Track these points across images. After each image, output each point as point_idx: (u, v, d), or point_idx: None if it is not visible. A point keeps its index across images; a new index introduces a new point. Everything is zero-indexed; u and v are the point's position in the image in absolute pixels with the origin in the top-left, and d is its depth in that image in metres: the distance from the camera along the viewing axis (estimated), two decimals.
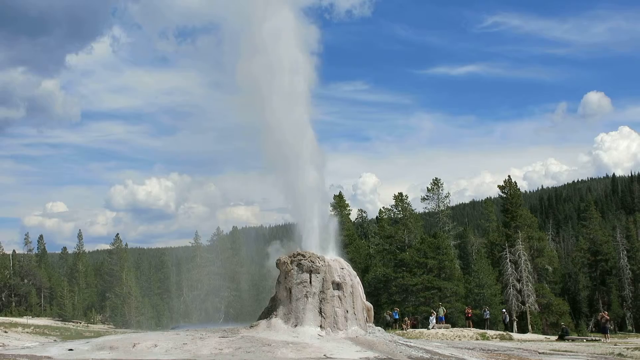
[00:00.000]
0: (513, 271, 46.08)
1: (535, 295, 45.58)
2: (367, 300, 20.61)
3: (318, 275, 18.81)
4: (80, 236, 71.80)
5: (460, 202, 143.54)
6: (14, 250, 73.60)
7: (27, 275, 67.11)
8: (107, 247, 74.30)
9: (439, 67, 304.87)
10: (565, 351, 22.47)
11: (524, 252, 46.49)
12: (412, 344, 19.25)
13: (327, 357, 15.63)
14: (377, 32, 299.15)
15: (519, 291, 45.48)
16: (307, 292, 18.65)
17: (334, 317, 18.56)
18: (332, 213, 50.37)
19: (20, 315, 56.01)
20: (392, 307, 41.61)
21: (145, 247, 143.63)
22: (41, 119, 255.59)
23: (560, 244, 78.84)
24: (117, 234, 69.10)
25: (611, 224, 67.15)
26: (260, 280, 53.39)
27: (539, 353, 21.03)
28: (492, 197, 78.84)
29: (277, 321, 18.58)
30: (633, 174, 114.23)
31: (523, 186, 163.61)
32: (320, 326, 18.35)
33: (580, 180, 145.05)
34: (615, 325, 51.44)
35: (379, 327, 21.08)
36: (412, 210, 54.40)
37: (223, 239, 66.39)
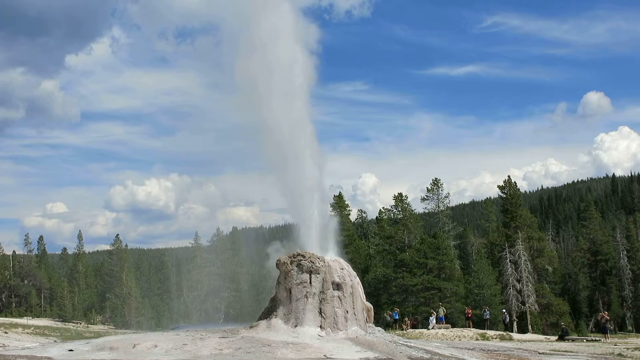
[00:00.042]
0: (513, 271, 46.09)
1: (535, 296, 45.59)
2: (367, 300, 20.62)
3: (318, 275, 18.81)
4: (80, 237, 71.82)
5: (460, 203, 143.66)
6: (14, 251, 73.68)
7: (27, 276, 67.08)
8: (107, 247, 74.36)
9: (438, 67, 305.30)
10: (565, 351, 22.46)
11: (524, 253, 46.50)
12: (412, 344, 19.25)
13: (327, 358, 15.64)
14: (377, 33, 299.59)
15: (519, 291, 45.50)
16: (307, 292, 18.66)
17: (334, 318, 18.56)
18: (332, 213, 50.35)
19: (21, 316, 56.01)
20: (392, 307, 41.60)
21: (145, 248, 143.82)
22: (41, 120, 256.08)
23: (560, 244, 78.83)
24: (117, 234, 69.32)
25: (611, 224, 67.16)
26: (260, 281, 53.40)
27: (539, 353, 21.03)
28: (492, 198, 78.89)
29: (277, 321, 18.59)
30: (633, 174, 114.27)
31: (523, 186, 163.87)
32: (320, 326, 18.35)
33: (580, 180, 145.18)
34: (615, 326, 51.46)
35: (379, 328, 21.08)
36: (412, 211, 54.39)
37: (223, 239, 66.36)
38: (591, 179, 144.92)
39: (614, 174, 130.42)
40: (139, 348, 16.41)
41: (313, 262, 18.87)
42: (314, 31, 23.56)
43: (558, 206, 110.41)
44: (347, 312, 18.82)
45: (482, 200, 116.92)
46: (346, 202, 57.72)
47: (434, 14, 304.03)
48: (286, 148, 21.97)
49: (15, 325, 36.01)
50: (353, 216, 61.27)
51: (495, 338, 29.98)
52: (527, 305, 44.97)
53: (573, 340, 30.15)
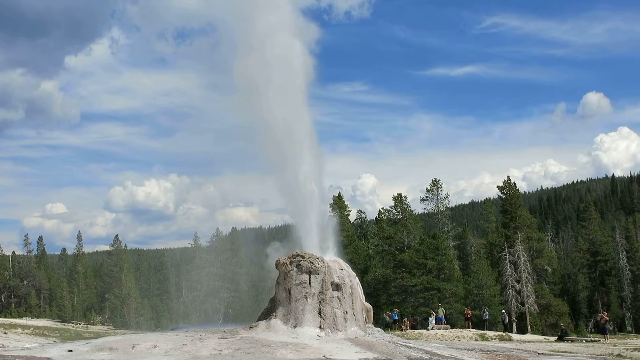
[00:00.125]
0: (512, 272, 46.11)
1: (534, 296, 45.61)
2: (366, 301, 20.61)
3: (317, 276, 18.81)
4: (79, 237, 71.91)
5: (460, 203, 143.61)
6: (13, 252, 73.62)
7: (27, 277, 67.04)
8: (107, 248, 74.26)
9: (437, 68, 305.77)
10: (565, 352, 22.47)
11: (523, 253, 46.52)
12: (411, 345, 19.26)
13: (327, 358, 15.65)
14: (376, 33, 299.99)
15: (518, 292, 45.52)
16: (306, 293, 18.66)
17: (334, 318, 18.56)
18: (331, 214, 50.38)
19: (20, 316, 56.02)
20: (391, 307, 41.60)
21: (144, 248, 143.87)
22: (40, 121, 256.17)
23: (559, 244, 78.88)
24: (117, 235, 69.26)
25: (610, 225, 67.14)
26: (260, 281, 53.38)
27: (538, 354, 21.03)
28: (492, 198, 78.89)
29: (276, 322, 18.58)
30: (632, 174, 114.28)
31: (522, 187, 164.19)
32: (320, 327, 18.35)
33: (579, 180, 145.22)
34: (614, 326, 51.51)
35: (379, 328, 21.08)
36: (412, 211, 54.42)
37: (222, 240, 66.36)
38: (591, 179, 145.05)
39: (613, 174, 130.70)
40: (138, 348, 16.41)
41: (312, 263, 18.87)
42: (314, 30, 23.61)
43: (557, 207, 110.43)
44: (346, 312, 18.82)
45: (481, 200, 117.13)
46: (345, 203, 57.82)
47: (434, 14, 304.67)
48: (285, 148, 21.96)
49: (15, 326, 36.00)
50: (352, 217, 61.40)
51: (495, 339, 29.99)
52: (526, 305, 44.99)
53: (572, 340, 30.17)
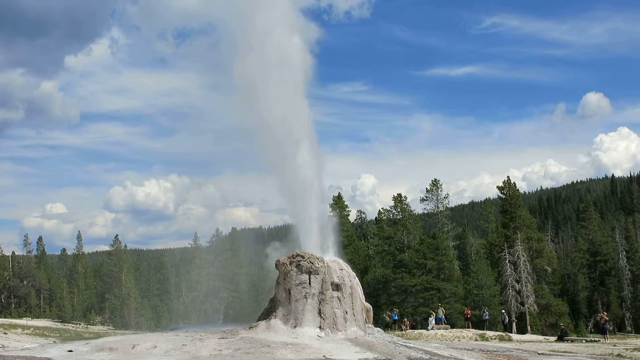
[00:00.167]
0: (512, 272, 46.11)
1: (534, 296, 45.61)
2: (366, 301, 20.61)
3: (317, 276, 18.81)
4: (79, 237, 71.91)
5: (459, 203, 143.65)
6: (13, 252, 73.57)
7: (27, 277, 67.03)
8: (107, 248, 74.30)
9: (437, 68, 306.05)
10: (565, 352, 22.47)
11: (523, 253, 46.53)
12: (411, 345, 19.27)
13: (327, 358, 15.65)
14: (376, 34, 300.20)
15: (518, 292, 45.52)
16: (306, 293, 18.66)
17: (333, 318, 18.56)
18: (331, 214, 50.37)
19: (20, 316, 55.99)
20: (391, 308, 41.61)
21: (144, 249, 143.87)
22: (40, 121, 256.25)
23: (559, 244, 78.88)
24: (117, 235, 69.26)
25: (610, 225, 67.14)
26: (260, 281, 53.37)
27: (538, 354, 21.04)
28: (491, 198, 78.96)
29: (276, 322, 18.58)
30: (632, 174, 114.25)
31: (522, 187, 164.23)
32: (320, 327, 18.35)
33: (579, 181, 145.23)
34: (614, 326, 51.52)
35: (378, 328, 21.07)
36: (411, 211, 54.43)
37: (222, 240, 66.35)
38: (590, 179, 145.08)
39: (613, 174, 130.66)
40: (138, 349, 16.42)
41: (312, 263, 18.87)
42: (314, 30, 23.61)
43: (557, 207, 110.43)
44: (346, 312, 18.83)
45: (481, 200, 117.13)
46: (345, 203, 57.83)
47: (433, 14, 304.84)
48: (285, 147, 21.96)
49: (15, 326, 35.99)
50: (352, 217, 61.40)
51: (495, 339, 29.99)
52: (526, 305, 44.99)
53: (572, 340, 30.18)
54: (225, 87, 25.93)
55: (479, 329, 34.34)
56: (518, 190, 52.79)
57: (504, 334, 31.90)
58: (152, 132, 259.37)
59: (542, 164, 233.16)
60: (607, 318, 33.69)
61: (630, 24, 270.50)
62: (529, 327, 43.97)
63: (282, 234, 53.43)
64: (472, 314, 38.20)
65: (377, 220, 58.68)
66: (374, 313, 21.51)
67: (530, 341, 29.77)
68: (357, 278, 20.30)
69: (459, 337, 29.70)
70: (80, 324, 54.43)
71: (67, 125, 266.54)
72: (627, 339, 32.88)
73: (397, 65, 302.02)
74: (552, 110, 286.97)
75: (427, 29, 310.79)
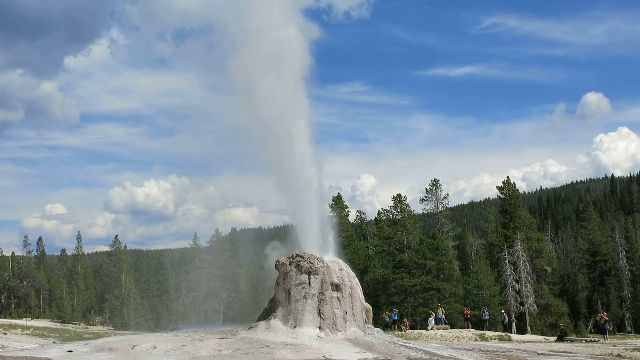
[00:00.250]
0: (512, 272, 46.12)
1: (534, 296, 45.61)
2: (366, 301, 20.62)
3: (317, 276, 18.82)
4: (79, 238, 71.87)
5: (459, 203, 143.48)
6: (13, 252, 73.54)
7: (27, 277, 67.02)
8: (106, 248, 74.30)
9: (437, 68, 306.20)
10: (564, 352, 22.48)
11: (523, 253, 46.53)
12: (411, 345, 19.27)
13: (326, 358, 15.66)
14: (376, 34, 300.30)
15: (518, 292, 45.52)
16: (306, 293, 18.66)
17: (333, 319, 18.57)
18: (331, 214, 50.36)
19: (20, 317, 55.96)
20: (391, 308, 41.61)
21: (144, 249, 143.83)
22: (40, 121, 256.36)
23: (559, 244, 78.86)
24: (116, 235, 69.10)
25: (610, 225, 67.15)
26: (259, 282, 53.39)
27: (538, 354, 21.05)
28: (491, 198, 78.98)
29: (276, 322, 18.59)
30: (632, 174, 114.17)
31: (522, 187, 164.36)
32: (319, 327, 18.35)
33: (579, 181, 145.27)
34: (614, 326, 51.50)
35: (378, 329, 21.08)
36: (411, 212, 54.42)
37: (222, 240, 66.36)
38: (590, 179, 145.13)
39: (612, 174, 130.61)
40: (137, 349, 16.42)
41: (312, 263, 18.87)
42: (313, 30, 23.60)
43: (557, 207, 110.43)
44: (346, 313, 18.83)
45: (481, 201, 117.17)
46: (345, 203, 57.82)
47: (433, 15, 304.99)
48: (284, 147, 21.95)
49: (15, 327, 36.00)
50: (352, 217, 61.41)
51: (494, 339, 29.99)
52: (525, 305, 44.99)
53: (572, 341, 30.19)
54: (224, 87, 25.94)
55: (479, 329, 34.35)
56: (518, 190, 52.83)
57: (503, 334, 31.91)
58: (151, 132, 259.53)
59: (542, 164, 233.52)
60: (606, 318, 33.69)
61: (629, 24, 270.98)
62: (528, 327, 43.97)
63: (281, 234, 53.47)
64: (472, 314, 38.19)
65: (377, 221, 58.69)
66: (373, 313, 21.51)
67: (530, 341, 29.77)
68: (356, 278, 20.31)
69: (458, 337, 29.70)
70: (80, 325, 54.44)
71: (67, 125, 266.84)
72: (626, 339, 32.87)
73: (396, 66, 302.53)
74: (552, 110, 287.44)
75: (426, 29, 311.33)
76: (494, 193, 62.48)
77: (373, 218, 67.24)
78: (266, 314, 19.46)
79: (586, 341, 30.00)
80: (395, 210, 54.28)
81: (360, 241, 57.13)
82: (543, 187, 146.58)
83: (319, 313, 18.56)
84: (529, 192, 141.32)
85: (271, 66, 22.26)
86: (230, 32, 24.07)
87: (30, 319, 52.98)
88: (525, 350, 22.24)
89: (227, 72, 23.75)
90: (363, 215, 65.79)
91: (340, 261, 20.19)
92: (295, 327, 18.32)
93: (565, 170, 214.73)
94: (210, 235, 67.33)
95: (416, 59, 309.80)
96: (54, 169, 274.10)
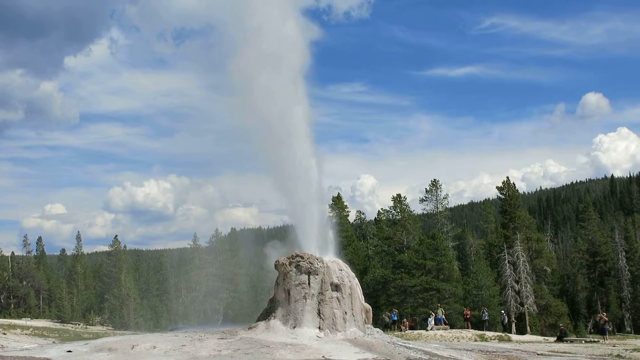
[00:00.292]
0: (511, 272, 46.10)
1: (533, 297, 45.60)
2: (365, 301, 20.62)
3: (316, 276, 18.81)
4: (78, 238, 71.85)
5: (459, 204, 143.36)
6: (12, 252, 73.60)
7: (26, 277, 67.03)
8: (106, 248, 74.29)
9: (437, 68, 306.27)
10: (564, 352, 22.48)
11: (523, 254, 46.52)
12: (410, 345, 19.26)
13: (326, 359, 15.65)
14: (375, 34, 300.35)
15: (518, 292, 45.51)
16: (305, 293, 18.66)
17: (333, 319, 18.56)
18: (331, 214, 50.35)
19: (19, 317, 55.98)
20: (390, 308, 41.60)
21: (143, 249, 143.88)
22: (40, 121, 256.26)
23: (558, 245, 78.86)
24: (116, 235, 69.11)
25: (610, 225, 67.13)
26: (259, 282, 53.42)
27: (538, 354, 21.04)
28: (491, 199, 79.15)
29: (275, 323, 18.58)
30: (631, 175, 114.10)
31: (521, 187, 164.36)
32: (319, 327, 18.35)
33: (578, 181, 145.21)
34: (613, 327, 51.49)
35: (378, 329, 21.07)
36: (411, 212, 54.40)
37: (221, 240, 66.34)
38: (590, 180, 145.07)
39: (612, 175, 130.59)
40: (137, 349, 16.41)
41: (312, 263, 18.87)
42: (313, 31, 23.61)
43: (557, 207, 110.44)
44: (345, 313, 18.83)
45: (480, 201, 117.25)
46: (345, 203, 57.81)
47: (433, 15, 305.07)
48: (284, 147, 21.94)
49: (14, 327, 36.00)
50: (352, 217, 61.39)
51: (494, 339, 29.98)
52: (525, 306, 44.98)
53: (571, 341, 30.18)
54: (224, 87, 25.95)
55: (479, 330, 34.34)
56: (517, 190, 52.83)
57: (503, 335, 31.90)
58: (151, 132, 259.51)
59: (542, 165, 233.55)
60: (606, 318, 33.69)
61: (629, 25, 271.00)
62: (528, 328, 43.96)
63: (281, 234, 53.42)
64: (472, 315, 38.15)
65: (377, 221, 58.68)
66: (373, 313, 21.51)
67: (530, 342, 29.76)
68: (356, 278, 20.31)
69: (458, 338, 29.69)
70: (79, 325, 54.46)
71: (67, 125, 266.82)
72: (626, 340, 32.87)
73: (396, 66, 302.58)
74: (552, 110, 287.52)
75: (426, 30, 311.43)
76: (493, 193, 62.64)
77: (373, 218, 67.29)
78: (266, 314, 19.46)
79: (586, 341, 29.99)
80: (395, 210, 54.29)
81: (360, 241, 57.12)
82: (543, 188, 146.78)
83: (319, 313, 18.56)
84: (528, 193, 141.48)
85: (271, 66, 22.26)
86: (230, 32, 24.08)
87: (29, 319, 52.99)
88: (525, 351, 22.24)
89: (227, 72, 23.77)
90: (363, 216, 65.81)
91: (340, 261, 20.18)
92: (295, 327, 18.32)
93: (565, 171, 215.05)
94: (210, 235, 67.39)
95: (416, 59, 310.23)
96: (53, 169, 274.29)
